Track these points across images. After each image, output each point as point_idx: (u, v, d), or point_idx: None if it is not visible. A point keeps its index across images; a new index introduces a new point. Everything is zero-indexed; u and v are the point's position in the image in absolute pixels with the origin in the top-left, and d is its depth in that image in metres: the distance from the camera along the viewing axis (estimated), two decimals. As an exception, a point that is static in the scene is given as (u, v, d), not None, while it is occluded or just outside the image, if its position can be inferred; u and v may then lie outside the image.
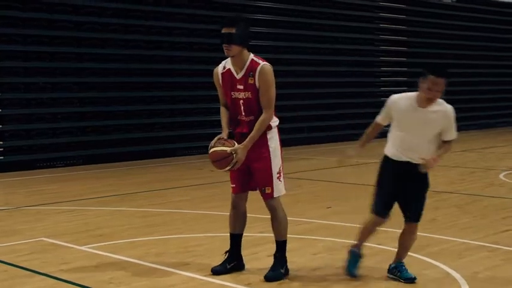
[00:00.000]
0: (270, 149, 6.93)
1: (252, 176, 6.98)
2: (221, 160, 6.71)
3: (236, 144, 6.75)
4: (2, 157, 17.96)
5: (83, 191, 14.26)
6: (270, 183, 6.89)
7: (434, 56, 30.27)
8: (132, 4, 20.37)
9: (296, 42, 24.83)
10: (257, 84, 6.76)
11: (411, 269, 7.07)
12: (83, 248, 8.54)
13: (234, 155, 6.68)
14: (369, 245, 7.71)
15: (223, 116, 7.07)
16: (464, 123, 31.05)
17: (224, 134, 6.90)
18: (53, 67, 19.06)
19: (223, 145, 6.74)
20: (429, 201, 11.71)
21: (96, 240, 8.98)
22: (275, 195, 6.90)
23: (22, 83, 18.58)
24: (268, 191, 6.89)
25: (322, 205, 11.61)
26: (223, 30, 6.73)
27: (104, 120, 19.72)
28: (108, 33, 19.97)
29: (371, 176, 15.28)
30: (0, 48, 18.04)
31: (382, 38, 28.51)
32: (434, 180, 14.43)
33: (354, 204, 11.72)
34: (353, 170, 16.93)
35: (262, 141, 6.88)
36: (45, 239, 9.15)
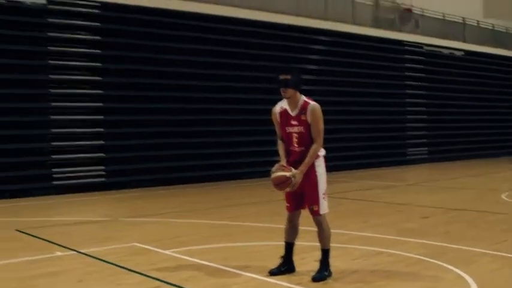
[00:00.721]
0: (317, 174, 6.88)
1: (303, 197, 6.94)
2: (281, 183, 6.69)
3: (293, 170, 6.74)
4: (104, 179, 18.18)
5: (166, 206, 14.31)
6: (316, 202, 6.82)
7: (451, 98, 30.04)
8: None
9: (340, 87, 24.80)
10: (309, 120, 6.76)
11: (432, 273, 6.98)
12: (166, 252, 8.52)
13: (293, 178, 6.67)
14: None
15: (281, 147, 7.04)
16: (475, 152, 30.82)
17: (283, 162, 6.88)
18: (141, 108, 19.33)
19: (283, 171, 6.72)
20: (444, 216, 11.70)
21: (177, 246, 8.93)
22: (321, 212, 6.85)
23: (120, 120, 18.84)
24: (315, 208, 6.82)
25: (359, 220, 11.44)
26: (281, 77, 6.77)
27: (182, 149, 19.87)
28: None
29: (400, 196, 15.23)
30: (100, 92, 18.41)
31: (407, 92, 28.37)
32: (449, 200, 14.36)
33: (386, 219, 11.56)
34: (384, 191, 16.78)
35: (311, 168, 6.83)
36: (136, 244, 9.17)
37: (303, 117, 6.80)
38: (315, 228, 6.97)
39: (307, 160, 6.75)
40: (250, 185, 18.97)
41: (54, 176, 17.34)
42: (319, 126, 6.80)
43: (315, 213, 6.84)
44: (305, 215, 7.01)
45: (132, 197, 16.26)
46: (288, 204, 7.04)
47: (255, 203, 14.38)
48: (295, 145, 6.89)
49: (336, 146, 23.95)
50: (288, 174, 6.67)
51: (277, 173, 6.74)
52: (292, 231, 7.13)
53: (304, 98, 6.89)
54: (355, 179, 20.40)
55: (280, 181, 6.70)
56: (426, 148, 28.88)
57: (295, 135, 6.87)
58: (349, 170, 23.89)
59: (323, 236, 6.90)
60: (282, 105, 6.98)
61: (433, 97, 29.24)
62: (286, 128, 6.92)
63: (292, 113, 6.86)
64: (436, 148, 29.24)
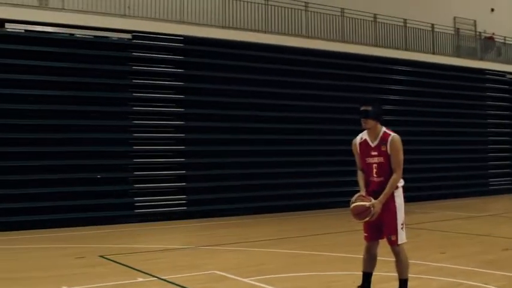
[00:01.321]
0: (396, 205, 6.89)
1: (381, 227, 6.97)
2: (361, 213, 6.74)
3: (372, 200, 6.80)
4: (185, 208, 18.54)
5: (246, 235, 14.46)
6: (394, 232, 6.82)
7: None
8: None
9: (421, 117, 24.61)
10: (389, 151, 6.81)
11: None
12: (245, 280, 8.65)
13: (372, 208, 6.73)
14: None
15: (361, 178, 7.10)
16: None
17: (363, 192, 6.94)
18: (222, 138, 19.69)
19: (363, 201, 6.78)
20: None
21: (256, 274, 9.06)
22: (399, 242, 6.82)
23: (202, 150, 19.22)
24: (393, 238, 6.82)
25: (437, 250, 11.29)
26: (362, 108, 6.86)
27: (262, 180, 20.08)
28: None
29: (481, 227, 14.93)
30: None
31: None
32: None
33: (465, 250, 11.39)
34: (464, 222, 16.50)
35: (390, 198, 6.85)
36: (216, 272, 9.34)
37: (383, 148, 6.85)
38: (393, 259, 6.96)
39: (386, 190, 6.78)
40: (331, 214, 18.93)
41: (137, 204, 17.80)
42: (399, 157, 6.82)
43: (393, 243, 6.83)
44: (384, 245, 7.02)
45: (212, 226, 16.52)
46: (366, 234, 7.07)
47: (335, 233, 14.38)
48: (375, 175, 6.94)
49: (417, 176, 23.74)
50: (367, 204, 6.72)
51: (357, 203, 6.79)
52: (370, 261, 7.13)
53: (384, 129, 6.95)
54: (436, 210, 20.11)
55: (360, 211, 6.76)
56: (510, 178, 28.18)
57: (374, 165, 6.92)
58: (429, 200, 23.55)
59: (401, 266, 6.88)
60: (363, 136, 7.06)
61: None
62: (366, 159, 6.99)
63: (372, 144, 6.93)
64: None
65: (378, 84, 23.52)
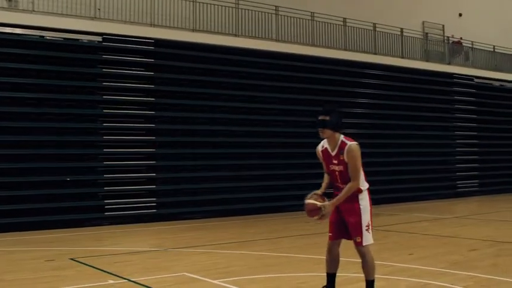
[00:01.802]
0: (361, 207, 6.99)
1: (346, 228, 7.08)
2: (311, 211, 6.86)
3: (326, 200, 6.90)
4: (155, 210, 18.56)
5: (215, 237, 14.52)
6: (360, 233, 6.92)
7: (502, 130, 29.77)
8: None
9: (389, 120, 24.89)
10: (346, 159, 6.89)
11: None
12: (214, 281, 8.72)
13: (323, 209, 6.83)
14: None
15: (325, 179, 7.23)
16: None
17: (319, 191, 7.04)
18: (192, 141, 19.73)
19: (316, 200, 6.89)
20: (492, 249, 11.66)
21: (224, 276, 9.14)
22: (364, 243, 6.93)
23: (172, 153, 19.26)
24: (358, 240, 6.93)
25: (405, 252, 11.47)
26: (320, 118, 6.92)
27: (230, 182, 20.18)
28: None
29: (448, 229, 15.15)
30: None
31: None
32: (497, 233, 14.27)
33: (432, 251, 11.54)
34: (432, 223, 16.73)
35: (354, 201, 6.96)
36: (186, 273, 9.41)
37: (341, 157, 6.94)
38: (360, 260, 7.09)
39: (339, 196, 6.91)
40: (298, 217, 19.04)
41: (107, 207, 17.78)
42: (355, 165, 6.89)
43: (358, 244, 6.95)
44: (352, 246, 7.14)
45: (182, 229, 16.54)
46: (330, 234, 7.17)
47: (303, 236, 14.47)
48: (339, 182, 7.06)
49: (385, 178, 24.03)
50: (318, 204, 6.85)
51: (310, 200, 6.92)
52: (332, 262, 7.24)
53: (342, 137, 7.01)
54: (403, 212, 20.35)
55: (310, 209, 6.88)
56: (477, 181, 28.60)
57: (337, 173, 7.05)
58: (397, 202, 23.85)
59: (367, 267, 7.00)
60: (324, 144, 7.16)
61: (483, 129, 29.01)
62: (330, 166, 7.10)
63: (332, 153, 7.03)
64: (487, 181, 28.91)
65: (347, 87, 23.77)
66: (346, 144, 6.93)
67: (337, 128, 6.98)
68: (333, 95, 22.95)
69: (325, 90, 22.80)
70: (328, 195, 7.02)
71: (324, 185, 7.18)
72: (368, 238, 6.98)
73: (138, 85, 18.73)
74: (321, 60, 22.93)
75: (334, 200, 6.91)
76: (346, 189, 6.88)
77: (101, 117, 18.07)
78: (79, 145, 17.69)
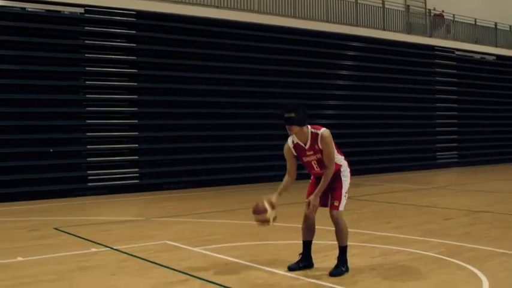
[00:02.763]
0: (342, 177, 7.29)
1: (324, 195, 7.25)
2: (258, 213, 7.22)
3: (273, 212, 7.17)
4: (138, 181, 18.71)
5: (196, 207, 14.71)
6: (339, 198, 7.17)
7: (482, 103, 30.06)
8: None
9: (370, 92, 25.10)
10: (321, 147, 7.08)
11: (446, 271, 7.31)
12: (195, 249, 8.93)
13: (311, 200, 7.13)
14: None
15: (284, 184, 7.39)
16: (504, 157, 30.77)
17: (274, 197, 7.26)
18: (174, 112, 19.86)
19: (266, 212, 7.19)
20: (467, 218, 11.94)
21: (205, 243, 9.34)
22: (340, 208, 7.17)
23: (154, 124, 19.38)
24: (336, 203, 7.16)
25: (383, 221, 11.69)
26: (286, 115, 7.06)
27: (212, 153, 20.34)
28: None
29: (426, 199, 15.44)
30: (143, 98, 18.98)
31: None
32: (473, 203, 14.57)
33: (409, 220, 11.82)
34: (410, 194, 16.99)
35: (336, 174, 7.21)
36: (167, 241, 9.61)
37: (316, 147, 7.11)
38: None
39: (320, 185, 7.12)
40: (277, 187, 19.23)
41: (90, 177, 17.91)
42: (330, 151, 7.08)
43: (335, 208, 7.17)
44: (327, 216, 7.36)
45: (164, 198, 16.71)
46: (308, 201, 7.34)
47: (285, 204, 14.64)
48: (317, 169, 7.27)
49: (366, 149, 24.32)
50: (268, 215, 7.13)
51: (263, 207, 7.24)
52: (308, 230, 7.47)
53: (310, 128, 7.16)
54: (383, 182, 20.62)
55: (258, 210, 7.23)
56: (456, 152, 28.96)
57: (313, 162, 7.23)
58: (378, 173, 24.16)
59: (340, 233, 7.22)
60: (293, 139, 7.27)
61: (464, 101, 29.30)
62: (304, 158, 7.27)
63: (306, 146, 7.18)
64: (466, 152, 29.30)
65: (329, 59, 23.89)
66: (317, 134, 7.09)
67: (303, 122, 7.11)
68: (314, 66, 23.13)
69: (307, 62, 22.97)
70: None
71: (280, 189, 7.35)
72: (344, 204, 7.23)
73: (120, 57, 18.75)
74: (302, 32, 23.00)
75: (316, 191, 7.13)
76: (325, 178, 7.09)
77: (83, 89, 18.11)
78: (62, 116, 17.73)
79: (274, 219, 7.17)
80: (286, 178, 7.39)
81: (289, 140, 7.33)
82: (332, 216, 7.22)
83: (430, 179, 22.57)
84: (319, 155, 7.12)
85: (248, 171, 21.09)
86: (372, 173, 23.88)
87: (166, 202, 15.90)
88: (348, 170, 7.40)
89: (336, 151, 7.20)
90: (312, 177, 7.46)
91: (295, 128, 7.08)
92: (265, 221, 7.12)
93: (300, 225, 7.58)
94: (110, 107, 18.45)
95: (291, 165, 7.37)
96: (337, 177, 7.24)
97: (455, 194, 16.87)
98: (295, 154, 7.30)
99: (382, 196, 16.48)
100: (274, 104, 21.54)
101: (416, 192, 17.41)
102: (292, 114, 7.03)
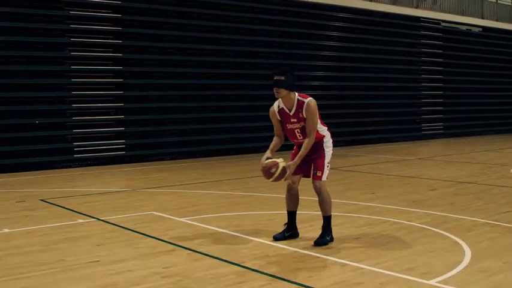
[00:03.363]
0: (325, 147, 7.34)
1: (306, 165, 7.30)
2: (271, 168, 7.05)
3: (281, 159, 7.15)
4: (124, 152, 18.70)
5: (183, 178, 14.70)
6: (322, 168, 7.21)
7: (467, 74, 30.17)
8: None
9: (356, 63, 25.09)
10: (305, 116, 7.11)
11: (430, 240, 7.40)
12: (181, 219, 9.00)
13: (287, 168, 7.06)
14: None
15: (273, 142, 7.40)
16: (489, 128, 30.98)
17: (269, 152, 7.24)
18: (160, 83, 19.80)
19: (271, 159, 7.13)
20: (451, 189, 12.06)
21: (192, 214, 9.42)
22: (323, 178, 7.22)
23: (140, 95, 19.32)
24: (319, 174, 7.20)
25: (368, 191, 11.80)
26: (275, 78, 7.08)
27: (199, 124, 20.34)
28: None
29: (411, 170, 15.55)
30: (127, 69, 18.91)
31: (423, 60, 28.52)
32: (458, 173, 14.70)
33: (394, 191, 11.93)
34: (395, 164, 17.11)
35: (319, 144, 7.27)
36: (154, 212, 9.67)
37: (300, 115, 7.15)
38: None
39: (301, 152, 7.15)
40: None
41: (76, 149, 17.88)
42: (313, 121, 7.13)
43: (317, 178, 7.22)
44: (311, 186, 7.40)
45: (150, 170, 16.71)
46: None
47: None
48: (299, 138, 7.30)
49: (351, 120, 24.47)
50: (280, 163, 7.08)
51: (267, 161, 7.14)
52: (292, 200, 7.51)
53: (297, 95, 7.20)
54: (369, 153, 20.71)
55: (269, 166, 7.07)
56: (441, 123, 29.12)
57: (296, 130, 7.26)
58: (363, 144, 24.29)
59: (324, 204, 7.29)
60: (279, 104, 7.32)
61: (449, 73, 29.39)
62: (287, 125, 7.30)
63: (290, 112, 7.22)
64: (451, 124, 29.49)
65: (315, 30, 23.83)
66: (303, 102, 7.13)
67: (292, 87, 7.15)
68: (300, 37, 23.11)
69: (293, 33, 22.93)
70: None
71: (272, 147, 7.35)
72: (326, 174, 7.29)
73: (106, 27, 18.58)
74: (288, 3, 22.92)
75: (296, 159, 7.14)
76: (305, 146, 7.12)
77: (69, 60, 17.99)
78: (47, 88, 17.62)
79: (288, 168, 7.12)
80: (274, 139, 7.45)
81: (275, 105, 7.37)
82: (315, 186, 7.26)
83: (415, 150, 22.70)
84: (302, 123, 7.15)
85: (235, 142, 21.11)
86: (357, 144, 24.02)
87: (153, 173, 15.90)
88: (331, 140, 7.44)
89: (319, 122, 7.24)
90: (294, 147, 7.47)
91: (283, 92, 7.10)
92: (283, 171, 7.05)
93: (284, 196, 7.63)
94: (96, 78, 18.32)
95: (277, 127, 7.43)
96: (319, 147, 7.29)
97: (440, 165, 16.98)
98: (279, 119, 7.33)
99: (367, 167, 16.56)
100: (262, 75, 21.58)
101: (401, 163, 17.52)
102: (282, 77, 7.07)
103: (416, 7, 28.70)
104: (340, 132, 22.47)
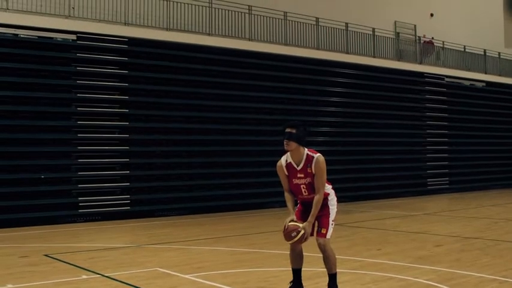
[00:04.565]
0: (330, 205, 7.29)
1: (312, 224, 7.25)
2: (292, 231, 6.99)
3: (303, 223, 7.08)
4: (129, 207, 18.68)
5: (188, 234, 14.70)
6: (326, 226, 7.15)
7: (472, 129, 30.25)
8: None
9: (361, 119, 25.22)
10: (313, 171, 7.10)
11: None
12: (186, 276, 8.94)
13: (303, 230, 6.98)
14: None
15: (288, 200, 7.32)
16: (495, 183, 30.92)
17: (293, 216, 7.16)
18: (166, 139, 19.92)
19: (296, 223, 7.07)
20: (457, 244, 11.99)
21: (196, 271, 9.36)
22: (327, 236, 7.15)
23: (145, 151, 19.41)
24: (323, 231, 7.13)
25: (373, 248, 11.75)
26: (286, 130, 7.10)
27: (204, 180, 20.36)
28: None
29: (416, 225, 15.46)
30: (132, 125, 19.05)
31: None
32: (464, 229, 14.63)
33: (400, 247, 11.85)
34: (401, 220, 17.05)
35: (324, 202, 7.20)
36: (159, 269, 9.61)
37: (308, 170, 7.12)
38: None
39: (313, 211, 7.08)
40: (272, 214, 19.29)
41: (81, 204, 17.88)
42: (322, 178, 7.10)
43: (322, 236, 7.14)
44: (315, 243, 7.36)
45: (155, 225, 16.70)
46: None
47: (276, 232, 14.69)
48: (304, 194, 7.25)
49: (357, 176, 24.43)
50: (300, 225, 7.05)
51: (290, 223, 7.09)
52: (296, 258, 7.40)
53: (307, 150, 7.20)
54: (375, 209, 20.66)
55: (291, 229, 7.03)
56: (447, 178, 29.07)
57: (302, 186, 7.21)
58: (369, 200, 24.21)
59: (329, 261, 7.21)
60: (287, 158, 7.30)
61: (454, 128, 29.50)
62: (293, 180, 7.25)
63: (298, 167, 7.19)
64: (457, 178, 29.43)
65: (320, 86, 24.05)
66: (312, 156, 7.11)
67: (302, 141, 7.15)
68: (305, 93, 23.31)
69: (298, 89, 23.14)
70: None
71: (291, 206, 7.28)
72: (331, 232, 7.22)
73: (112, 83, 18.83)
74: (293, 59, 23.19)
75: (310, 218, 7.06)
76: (316, 204, 7.06)
77: (75, 115, 18.17)
78: (53, 143, 17.76)
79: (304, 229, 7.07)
80: (287, 195, 7.36)
81: (283, 159, 7.34)
82: (319, 244, 7.19)
83: (421, 205, 22.63)
84: (309, 179, 7.13)
85: (241, 198, 21.08)
86: (362, 199, 23.94)
87: (158, 229, 15.89)
88: (336, 198, 7.42)
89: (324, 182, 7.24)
90: (298, 205, 7.44)
91: (293, 145, 7.09)
92: (302, 236, 7.00)
93: (288, 253, 7.56)
94: (102, 133, 18.46)
95: (285, 182, 7.36)
96: (324, 205, 7.25)
97: (446, 221, 16.92)
98: (287, 174, 7.33)
99: (373, 223, 16.51)
100: (267, 131, 21.71)
101: (407, 219, 17.46)
102: (294, 130, 7.07)
103: (420, 63, 28.95)
104: (344, 187, 22.44)
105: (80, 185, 18.07)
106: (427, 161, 28.45)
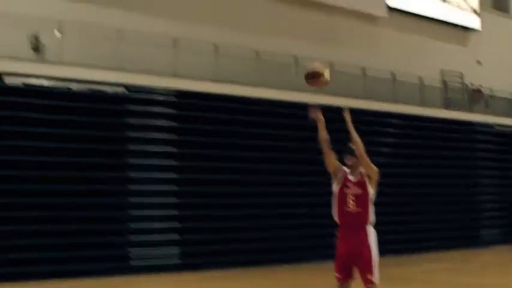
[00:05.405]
0: (371, 243, 7.23)
1: (354, 267, 7.25)
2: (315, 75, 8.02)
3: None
4: (180, 260, 18.76)
5: (240, 287, 14.75)
6: (370, 271, 7.10)
7: None
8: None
9: (410, 169, 25.18)
10: (367, 173, 7.49)
11: None
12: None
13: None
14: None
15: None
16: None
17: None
18: (218, 191, 20.08)
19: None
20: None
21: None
22: (374, 280, 7.09)
23: (196, 203, 19.58)
24: (369, 277, 7.08)
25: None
26: (350, 145, 7.77)
27: (256, 231, 20.44)
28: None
29: (466, 279, 15.22)
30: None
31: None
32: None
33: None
34: (451, 273, 16.86)
35: (364, 236, 7.23)
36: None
37: (361, 179, 7.41)
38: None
39: (352, 130, 8.16)
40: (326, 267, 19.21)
41: (131, 255, 18.08)
42: (372, 171, 7.53)
43: (369, 282, 7.10)
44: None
45: (206, 278, 16.75)
46: (339, 276, 7.30)
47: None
48: (350, 206, 7.32)
49: (408, 228, 24.16)
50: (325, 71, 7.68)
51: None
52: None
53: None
54: (426, 261, 20.44)
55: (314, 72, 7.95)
56: (501, 229, 28.60)
57: (351, 196, 7.35)
58: (420, 252, 23.92)
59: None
60: (346, 170, 7.61)
61: (505, 177, 29.18)
62: (344, 189, 7.43)
63: (353, 179, 7.46)
64: (510, 229, 28.94)
65: (367, 136, 23.87)
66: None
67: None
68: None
69: (346, 139, 23.12)
70: None
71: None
72: (377, 276, 7.16)
73: (162, 135, 19.20)
74: (339, 110, 23.21)
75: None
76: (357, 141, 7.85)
77: (126, 167, 18.55)
78: (105, 194, 18.09)
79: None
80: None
81: (344, 167, 7.62)
82: (367, 290, 7.16)
83: (472, 258, 22.37)
84: (359, 190, 7.31)
85: (293, 250, 20.94)
86: (412, 252, 23.63)
87: (209, 282, 15.94)
88: (374, 233, 7.36)
89: (372, 201, 7.41)
90: (339, 228, 7.44)
91: (353, 160, 7.53)
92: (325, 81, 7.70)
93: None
94: (152, 184, 18.77)
95: (332, 161, 7.82)
96: (363, 242, 7.21)
97: (499, 273, 16.71)
98: (341, 175, 7.57)
99: (426, 275, 16.35)
100: (319, 182, 21.70)
101: (459, 271, 17.28)
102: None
103: (469, 111, 28.81)
104: (394, 239, 22.26)
105: (130, 236, 18.32)
106: (480, 211, 28.03)
